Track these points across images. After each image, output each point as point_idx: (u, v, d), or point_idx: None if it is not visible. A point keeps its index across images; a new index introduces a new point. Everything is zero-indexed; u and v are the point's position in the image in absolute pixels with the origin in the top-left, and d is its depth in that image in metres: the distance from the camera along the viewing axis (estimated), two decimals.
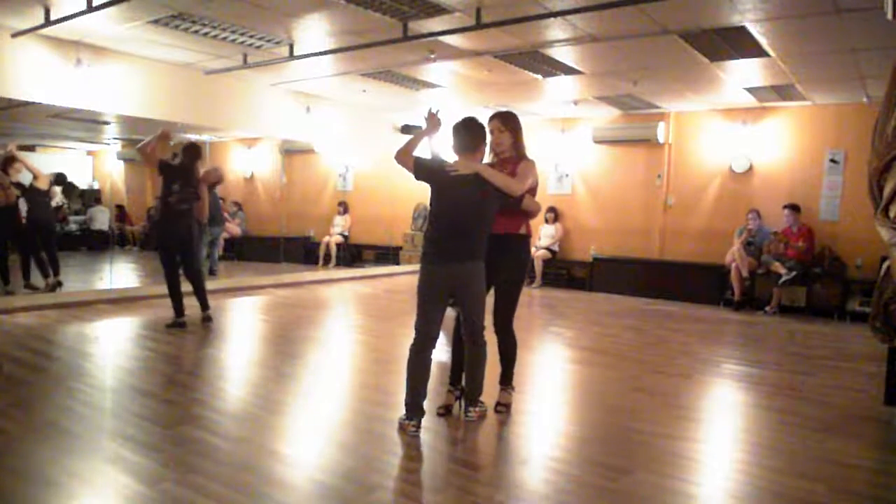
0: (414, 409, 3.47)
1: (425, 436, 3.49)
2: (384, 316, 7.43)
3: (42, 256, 7.30)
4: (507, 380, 3.91)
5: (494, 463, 3.28)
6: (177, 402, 3.94)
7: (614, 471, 3.07)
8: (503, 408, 3.86)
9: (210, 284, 7.47)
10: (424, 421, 3.55)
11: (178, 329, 5.89)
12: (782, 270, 7.86)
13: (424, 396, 3.50)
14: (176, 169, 5.92)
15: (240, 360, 5.34)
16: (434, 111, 3.62)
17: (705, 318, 7.70)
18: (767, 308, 8.00)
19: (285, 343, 5.86)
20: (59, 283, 7.36)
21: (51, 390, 4.09)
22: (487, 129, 3.66)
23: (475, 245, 3.47)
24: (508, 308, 3.78)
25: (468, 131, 3.53)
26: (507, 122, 3.71)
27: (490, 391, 3.86)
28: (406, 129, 11.30)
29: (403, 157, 3.49)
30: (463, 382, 3.81)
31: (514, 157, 3.71)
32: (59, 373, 4.57)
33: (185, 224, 5.93)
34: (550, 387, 4.76)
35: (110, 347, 5.46)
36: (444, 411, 3.79)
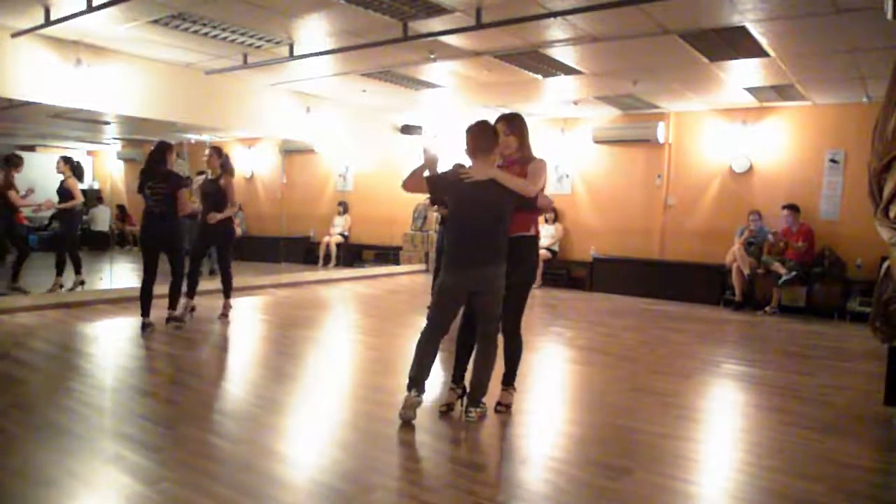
0: (417, 382, 3.59)
1: (425, 436, 3.50)
2: (384, 316, 7.43)
3: (64, 256, 7.46)
4: (509, 380, 3.93)
5: (494, 463, 3.28)
6: (177, 402, 3.94)
7: (614, 471, 3.07)
8: (503, 408, 3.87)
9: (210, 284, 7.49)
10: (424, 421, 3.57)
11: (148, 329, 5.80)
12: (782, 270, 7.86)
13: (427, 375, 3.64)
14: (143, 175, 5.83)
15: (240, 360, 5.35)
16: (427, 145, 3.70)
17: (705, 318, 7.70)
18: (767, 308, 8.00)
19: (285, 343, 5.86)
20: (61, 285, 7.44)
21: (51, 390, 4.09)
22: None
23: (496, 249, 3.54)
24: (517, 309, 3.82)
25: (481, 134, 3.58)
26: (512, 124, 3.76)
27: (490, 390, 3.85)
28: (406, 129, 11.29)
29: (412, 186, 3.67)
30: (465, 381, 3.85)
31: (520, 159, 3.75)
32: (59, 373, 4.57)
33: (164, 226, 5.78)
34: (550, 387, 4.75)
35: (110, 347, 5.46)
36: (446, 409, 3.82)
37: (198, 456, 3.08)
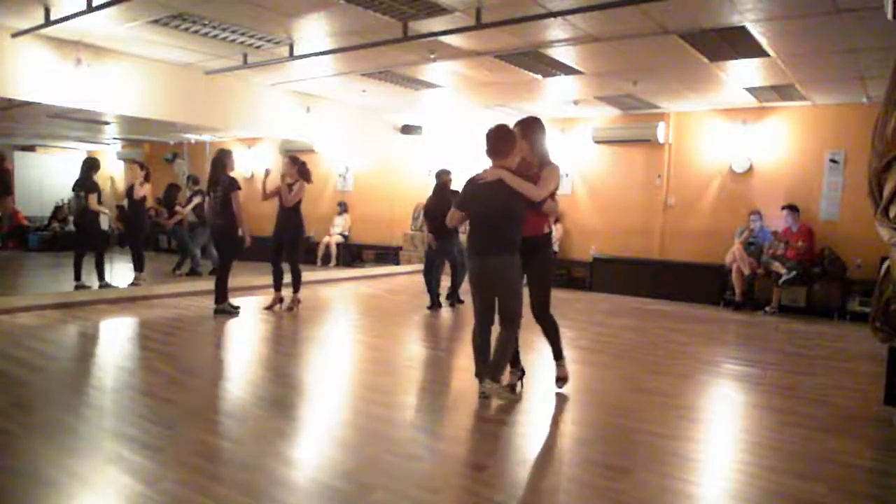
0: (482, 377, 3.99)
1: (425, 436, 3.51)
2: (384, 316, 7.43)
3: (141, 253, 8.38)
4: (558, 355, 4.34)
5: (494, 463, 3.27)
6: (177, 402, 3.94)
7: (614, 471, 3.07)
8: (562, 381, 4.31)
9: (210, 284, 7.49)
10: (425, 421, 3.63)
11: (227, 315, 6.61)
12: (782, 270, 7.86)
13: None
14: (208, 182, 6.79)
15: (240, 359, 5.35)
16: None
17: (705, 318, 7.70)
18: (767, 308, 8.00)
19: (285, 343, 5.86)
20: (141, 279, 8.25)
21: (51, 390, 4.09)
22: None
23: (508, 240, 3.87)
24: (543, 298, 4.20)
25: (498, 138, 3.91)
26: (525, 129, 4.04)
27: (529, 373, 3.84)
28: (406, 129, 11.28)
29: (454, 219, 4.11)
30: (521, 364, 4.30)
31: (536, 161, 4.03)
32: (59, 373, 4.57)
33: (219, 226, 6.69)
34: (551, 387, 4.75)
35: (110, 347, 5.46)
36: (509, 390, 4.11)
37: (198, 456, 3.08)
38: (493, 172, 3.86)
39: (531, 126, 4.07)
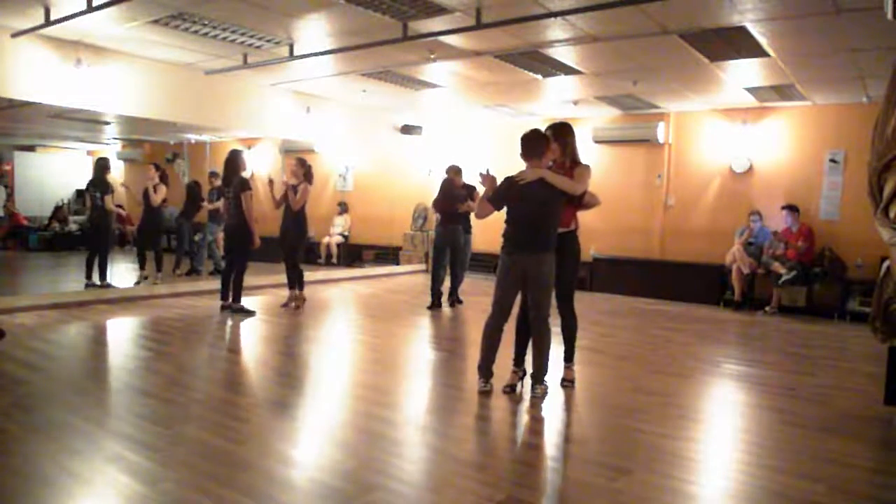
0: (484, 371, 4.17)
1: (426, 436, 3.50)
2: (384, 316, 7.43)
3: (159, 252, 8.50)
4: (569, 357, 4.49)
5: (494, 463, 3.27)
6: (177, 402, 3.94)
7: (614, 471, 3.07)
8: (568, 383, 4.41)
9: (211, 284, 7.50)
10: (425, 421, 3.60)
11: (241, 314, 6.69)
12: (782, 270, 7.86)
13: (493, 361, 4.19)
14: (222, 182, 6.98)
15: (240, 360, 5.35)
16: (485, 172, 4.24)
17: (705, 318, 7.69)
18: (767, 308, 8.00)
19: (286, 343, 5.86)
20: (146, 277, 8.42)
21: (51, 390, 4.09)
22: None
23: (546, 238, 4.06)
24: (569, 291, 4.38)
25: (534, 141, 4.12)
26: (557, 133, 4.29)
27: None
28: (406, 129, 11.28)
29: (483, 211, 4.19)
30: (524, 364, 4.34)
31: (566, 163, 4.28)
32: (59, 373, 4.57)
33: (234, 225, 6.70)
34: (550, 387, 4.75)
35: (110, 347, 5.46)
36: (509, 390, 4.22)
37: (198, 456, 3.08)
38: (533, 172, 4.02)
39: (563, 130, 4.32)
